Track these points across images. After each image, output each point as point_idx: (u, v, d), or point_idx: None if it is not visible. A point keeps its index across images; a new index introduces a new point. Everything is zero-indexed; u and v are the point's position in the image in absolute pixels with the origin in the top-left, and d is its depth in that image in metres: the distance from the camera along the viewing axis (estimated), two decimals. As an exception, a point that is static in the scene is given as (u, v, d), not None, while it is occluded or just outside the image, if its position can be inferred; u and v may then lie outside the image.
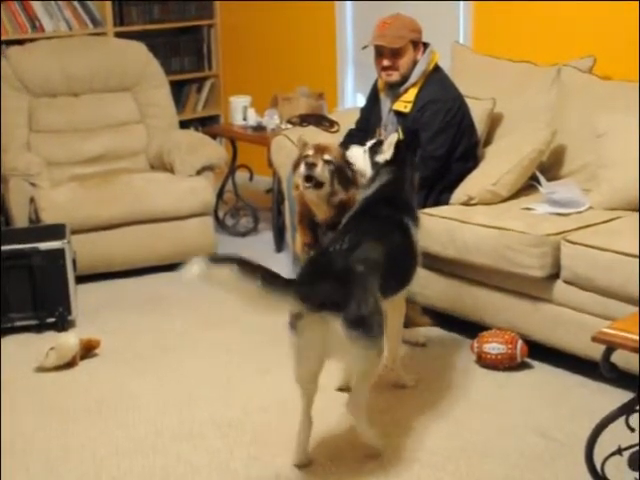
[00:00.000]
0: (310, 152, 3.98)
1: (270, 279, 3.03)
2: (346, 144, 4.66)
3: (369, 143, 3.88)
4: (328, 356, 3.24)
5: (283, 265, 5.31)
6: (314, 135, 5.08)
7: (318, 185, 3.93)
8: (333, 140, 4.88)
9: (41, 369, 4.15)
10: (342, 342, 3.12)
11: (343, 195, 3.93)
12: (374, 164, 3.77)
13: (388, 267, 3.39)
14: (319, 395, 3.34)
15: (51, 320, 4.60)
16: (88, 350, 4.28)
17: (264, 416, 3.71)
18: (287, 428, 3.55)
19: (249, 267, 3.00)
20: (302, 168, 3.96)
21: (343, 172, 3.92)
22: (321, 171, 3.91)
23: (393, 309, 3.69)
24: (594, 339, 2.81)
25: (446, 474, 3.26)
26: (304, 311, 3.12)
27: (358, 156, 3.89)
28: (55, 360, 4.15)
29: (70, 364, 4.19)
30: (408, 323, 4.43)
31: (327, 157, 3.94)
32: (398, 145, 3.71)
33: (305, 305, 3.09)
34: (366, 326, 3.14)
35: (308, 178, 3.92)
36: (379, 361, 3.29)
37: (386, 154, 3.71)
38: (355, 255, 3.28)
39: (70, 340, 4.22)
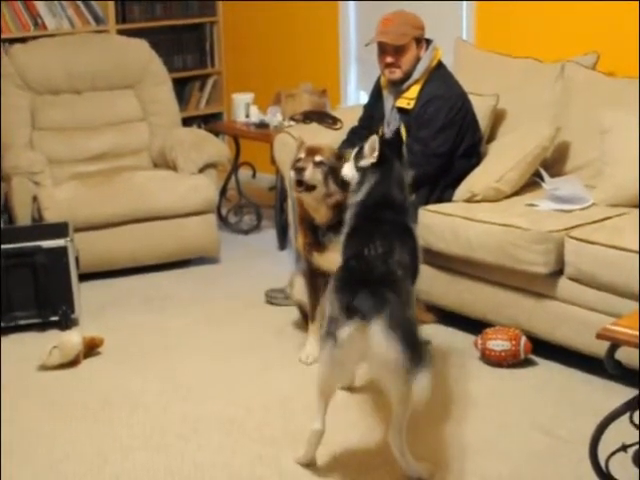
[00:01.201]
0: (302, 155, 3.98)
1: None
2: (349, 141, 4.67)
3: (353, 152, 3.71)
4: (364, 370, 3.17)
5: (286, 263, 5.32)
6: (317, 132, 5.08)
7: (309, 188, 3.94)
8: (336, 137, 4.88)
9: (44, 367, 4.15)
10: (383, 355, 2.94)
11: (339, 196, 3.92)
12: (360, 169, 3.59)
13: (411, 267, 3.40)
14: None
15: (54, 318, 4.60)
16: (91, 348, 4.28)
17: (268, 414, 3.71)
18: (291, 426, 3.57)
19: None
20: (292, 173, 3.97)
21: (337, 172, 3.89)
22: (311, 174, 3.92)
23: None
24: (598, 336, 2.81)
25: (449, 472, 3.26)
26: (346, 319, 2.96)
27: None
28: (58, 358, 4.15)
29: (73, 362, 4.18)
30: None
31: (318, 159, 3.94)
32: (381, 145, 3.57)
33: (348, 313, 2.95)
34: (409, 333, 2.96)
35: (298, 182, 3.93)
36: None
37: (370, 157, 3.54)
38: (394, 258, 3.21)
39: (73, 338, 4.22)
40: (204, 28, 7.25)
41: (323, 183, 3.94)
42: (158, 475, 3.29)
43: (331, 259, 4.04)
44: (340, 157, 3.98)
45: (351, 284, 3.08)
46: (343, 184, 3.86)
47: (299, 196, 4.01)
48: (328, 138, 4.84)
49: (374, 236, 3.28)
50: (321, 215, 4.02)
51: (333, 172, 3.93)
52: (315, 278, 4.19)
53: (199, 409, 3.77)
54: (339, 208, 3.90)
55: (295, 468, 3.29)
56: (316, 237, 4.07)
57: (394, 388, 3.06)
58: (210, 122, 7.15)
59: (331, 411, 3.25)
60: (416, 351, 2.94)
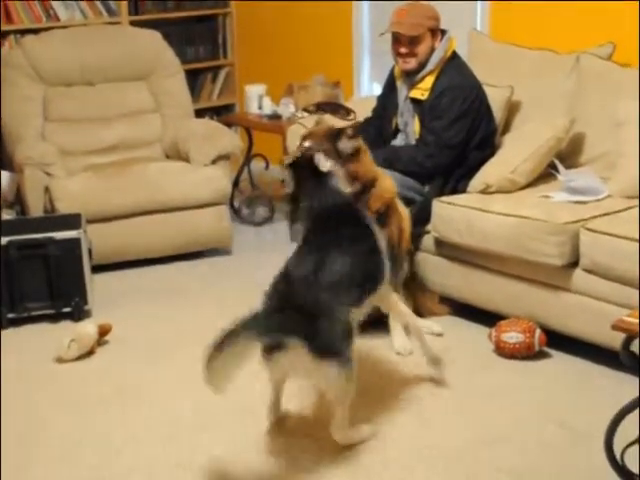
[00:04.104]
0: (296, 145, 3.92)
1: (229, 335, 3.02)
2: (363, 132, 4.64)
3: (287, 161, 3.65)
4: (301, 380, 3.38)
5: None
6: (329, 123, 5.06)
7: None
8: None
9: (62, 361, 4.14)
10: (312, 370, 3.16)
11: (351, 167, 3.83)
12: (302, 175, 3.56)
13: (358, 275, 3.34)
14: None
15: (67, 310, 4.60)
16: (101, 335, 4.29)
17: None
18: (304, 416, 3.55)
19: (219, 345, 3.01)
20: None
21: (331, 152, 3.75)
22: None
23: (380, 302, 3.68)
24: (614, 327, 2.79)
25: (464, 464, 3.24)
26: (272, 344, 3.14)
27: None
28: (76, 351, 4.15)
29: (89, 352, 4.20)
30: (425, 312, 4.43)
31: (307, 144, 3.81)
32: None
33: (272, 339, 3.12)
34: (334, 355, 3.14)
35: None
36: (351, 383, 3.24)
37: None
38: (320, 280, 3.19)
39: (89, 329, 4.23)
40: (217, 19, 7.24)
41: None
42: (170, 466, 3.29)
43: None
44: (340, 132, 3.83)
45: (275, 310, 3.18)
46: (342, 157, 3.78)
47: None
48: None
49: (312, 250, 3.33)
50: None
51: (327, 153, 3.72)
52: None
53: (212, 400, 3.74)
54: (355, 179, 3.84)
55: (308, 458, 3.29)
56: None
57: (325, 392, 3.34)
58: (223, 114, 7.15)
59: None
60: (335, 361, 3.14)
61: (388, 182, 4.07)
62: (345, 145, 3.84)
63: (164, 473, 3.25)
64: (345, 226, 3.41)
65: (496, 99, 4.66)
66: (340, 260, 3.29)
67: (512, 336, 3.99)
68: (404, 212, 4.15)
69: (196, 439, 3.46)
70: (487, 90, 4.59)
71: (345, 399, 3.26)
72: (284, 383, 3.49)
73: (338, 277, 3.25)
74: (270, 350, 3.17)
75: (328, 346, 3.13)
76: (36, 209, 5.21)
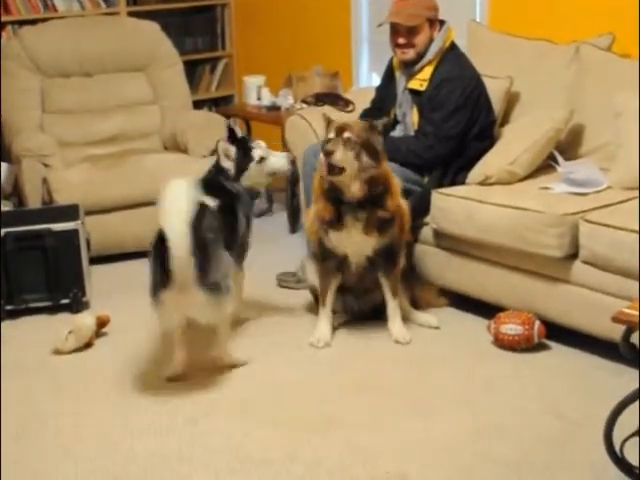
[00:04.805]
0: (331, 135, 3.95)
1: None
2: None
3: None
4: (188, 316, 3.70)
5: (297, 246, 5.30)
6: (330, 115, 5.04)
7: (339, 171, 3.90)
8: (348, 119, 4.84)
9: (59, 352, 4.13)
10: (201, 305, 3.59)
11: (373, 170, 3.93)
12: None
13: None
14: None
15: (65, 301, 4.59)
16: (100, 327, 4.28)
17: (278, 397, 3.70)
18: (301, 409, 3.57)
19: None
20: (321, 157, 3.94)
21: (369, 146, 3.90)
22: (341, 156, 3.88)
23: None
24: (614, 319, 2.79)
25: (462, 455, 3.24)
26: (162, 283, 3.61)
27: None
28: (74, 343, 4.14)
29: (87, 344, 4.19)
30: (423, 305, 4.43)
31: (347, 135, 3.91)
32: None
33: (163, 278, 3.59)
34: (220, 289, 3.60)
35: (330, 168, 3.89)
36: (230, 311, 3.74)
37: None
38: (204, 224, 3.55)
39: (87, 321, 4.22)
40: (215, 10, 7.21)
41: (355, 160, 3.90)
42: (168, 458, 3.28)
43: (349, 238, 4.03)
44: (373, 127, 3.98)
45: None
46: (377, 158, 3.91)
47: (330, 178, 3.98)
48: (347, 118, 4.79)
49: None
50: (354, 191, 3.97)
51: (365, 146, 3.92)
52: (326, 261, 4.16)
53: (209, 392, 3.75)
54: (371, 183, 3.93)
55: (306, 451, 3.28)
56: (338, 213, 4.03)
57: (210, 322, 3.74)
58: (221, 105, 7.14)
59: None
60: (217, 294, 3.61)
61: (396, 180, 4.10)
62: (377, 141, 3.96)
63: (162, 465, 3.24)
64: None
65: (495, 90, 4.65)
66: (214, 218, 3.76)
67: (511, 328, 3.98)
68: (403, 204, 4.15)
69: (194, 431, 3.45)
70: (486, 81, 4.57)
71: (227, 324, 3.81)
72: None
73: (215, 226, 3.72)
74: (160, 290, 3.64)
75: (217, 283, 3.60)
76: (34, 200, 5.20)
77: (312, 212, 4.21)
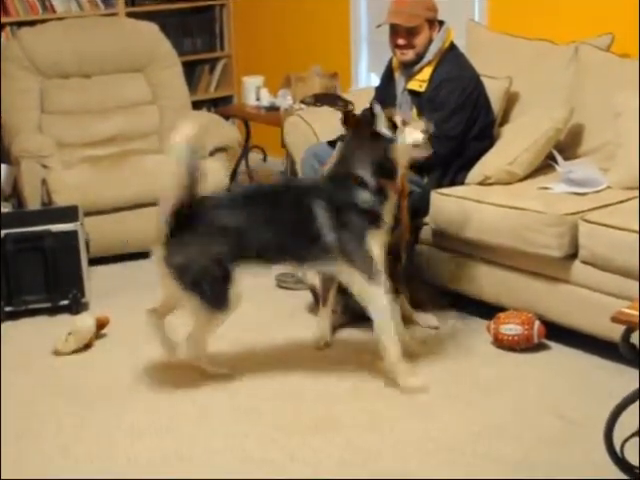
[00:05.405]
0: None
1: None
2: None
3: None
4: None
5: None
6: (329, 115, 5.04)
7: None
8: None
9: (59, 354, 4.13)
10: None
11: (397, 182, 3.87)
12: None
13: None
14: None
15: (64, 303, 4.59)
16: (99, 329, 4.28)
17: (279, 398, 3.70)
18: (302, 410, 3.57)
19: None
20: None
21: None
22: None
23: None
24: (613, 319, 2.79)
25: (462, 456, 3.24)
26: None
27: None
28: (74, 344, 4.14)
29: (87, 346, 4.19)
30: (423, 305, 4.42)
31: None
32: None
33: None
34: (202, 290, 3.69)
35: None
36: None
37: None
38: None
39: (87, 322, 4.22)
40: (214, 11, 7.22)
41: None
42: (168, 459, 3.28)
43: None
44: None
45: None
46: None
47: None
48: (339, 121, 4.79)
49: None
50: None
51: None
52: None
53: (209, 392, 3.75)
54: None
55: (306, 452, 3.28)
56: None
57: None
58: (220, 105, 7.14)
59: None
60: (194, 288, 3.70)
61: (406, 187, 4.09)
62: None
63: (163, 465, 3.24)
64: None
65: (494, 90, 4.64)
66: None
67: (511, 328, 3.98)
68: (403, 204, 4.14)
69: (194, 432, 3.45)
70: (485, 81, 4.56)
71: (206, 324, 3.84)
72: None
73: None
74: None
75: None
76: (33, 202, 5.19)
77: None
